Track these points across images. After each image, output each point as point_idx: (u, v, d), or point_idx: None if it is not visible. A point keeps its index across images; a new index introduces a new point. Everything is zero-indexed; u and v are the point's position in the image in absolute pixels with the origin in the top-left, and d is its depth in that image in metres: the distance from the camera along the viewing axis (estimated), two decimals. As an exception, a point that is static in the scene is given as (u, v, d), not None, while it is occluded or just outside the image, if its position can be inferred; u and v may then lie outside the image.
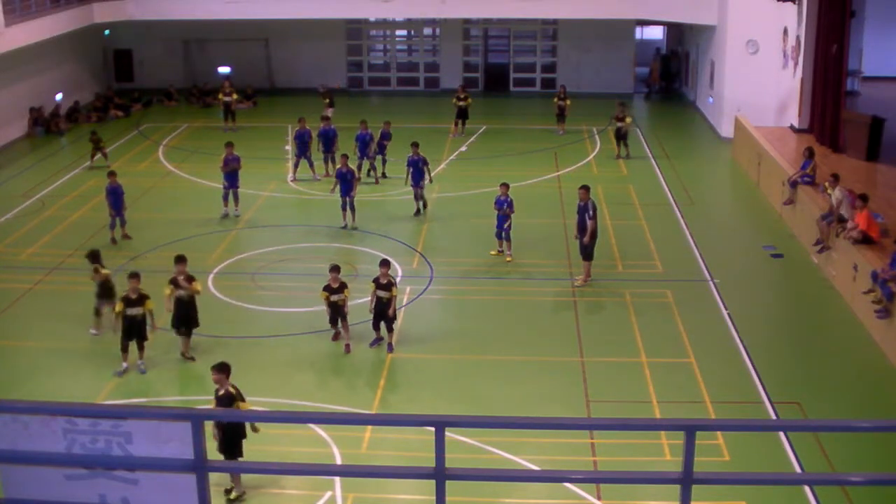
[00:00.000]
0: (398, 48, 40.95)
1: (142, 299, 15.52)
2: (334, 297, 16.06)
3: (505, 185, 20.48)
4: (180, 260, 16.31)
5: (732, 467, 12.70)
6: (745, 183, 26.14)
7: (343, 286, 16.16)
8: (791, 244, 21.18)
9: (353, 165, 25.38)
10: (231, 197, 22.81)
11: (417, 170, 22.71)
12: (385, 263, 16.38)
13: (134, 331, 15.58)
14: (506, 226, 20.20)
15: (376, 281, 16.13)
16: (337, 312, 16.29)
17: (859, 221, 17.85)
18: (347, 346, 16.35)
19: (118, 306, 15.63)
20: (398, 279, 19.43)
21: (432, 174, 23.45)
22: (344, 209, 22.21)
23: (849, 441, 13.19)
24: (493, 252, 20.56)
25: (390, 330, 16.36)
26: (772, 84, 28.34)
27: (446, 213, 23.15)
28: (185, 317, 16.14)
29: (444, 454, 4.47)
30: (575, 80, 36.08)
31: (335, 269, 16.26)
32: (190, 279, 16.19)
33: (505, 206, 20.15)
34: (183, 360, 16.17)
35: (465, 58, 38.90)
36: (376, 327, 16.38)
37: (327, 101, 31.38)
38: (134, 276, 15.74)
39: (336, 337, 16.65)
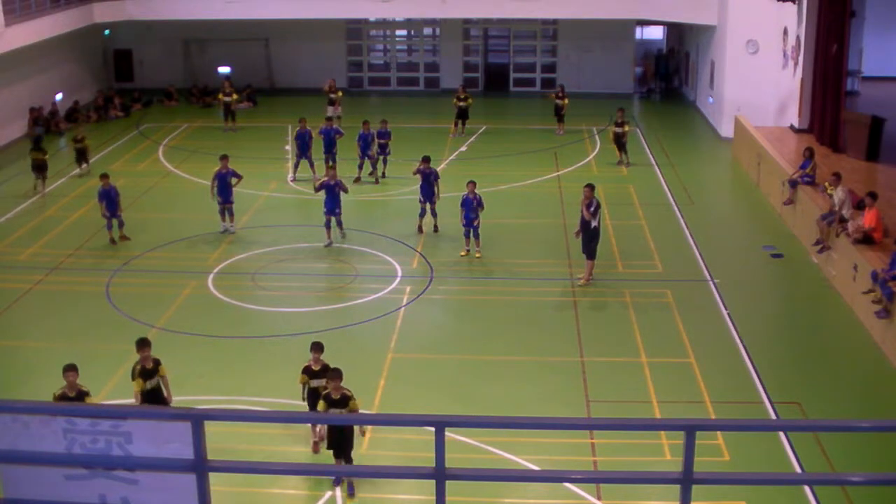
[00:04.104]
0: (398, 48, 40.97)
1: (81, 396, 12.31)
2: (315, 383, 13.13)
3: (472, 183, 20.42)
4: (144, 344, 13.17)
5: (732, 467, 12.69)
6: (745, 183, 26.14)
7: (326, 369, 13.00)
8: (791, 244, 21.18)
9: (354, 165, 25.46)
10: (226, 213, 21.97)
11: (428, 184, 21.51)
12: (336, 374, 12.37)
13: None
14: (475, 224, 20.16)
15: (327, 397, 12.36)
16: (317, 402, 12.87)
17: (868, 219, 17.83)
18: (315, 444, 13.43)
19: (56, 393, 12.38)
20: (398, 279, 19.46)
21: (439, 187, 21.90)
22: (328, 226, 20.84)
23: (849, 441, 13.18)
24: (462, 253, 20.54)
25: (349, 460, 12.54)
26: (772, 84, 28.34)
27: (446, 212, 23.09)
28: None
29: (444, 454, 4.47)
30: (575, 80, 36.10)
31: (317, 347, 13.35)
32: (157, 364, 13.19)
33: (475, 204, 20.05)
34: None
35: (465, 58, 38.92)
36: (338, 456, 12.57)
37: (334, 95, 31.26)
38: (70, 368, 12.45)
39: (317, 447, 13.41)
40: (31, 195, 24.85)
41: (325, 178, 21.01)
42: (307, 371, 13.24)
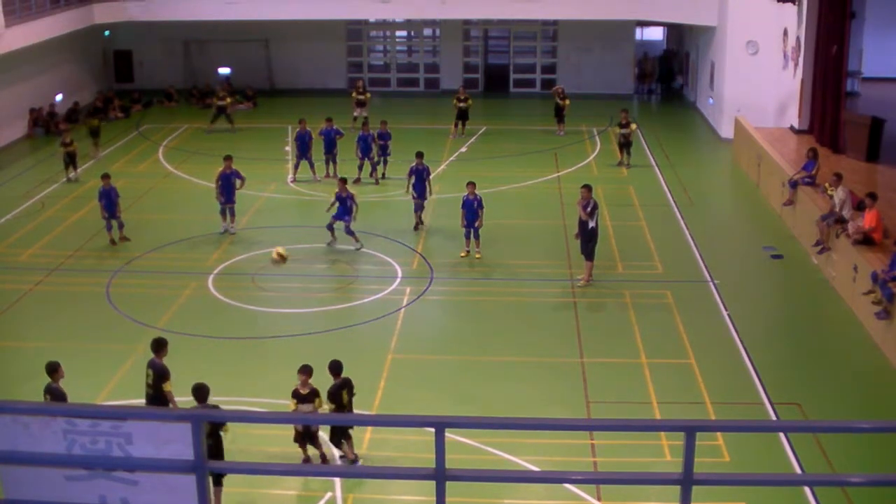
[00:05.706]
0: (398, 49, 40.97)
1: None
2: (304, 407, 12.78)
3: (472, 185, 20.44)
4: (165, 344, 13.45)
5: (732, 468, 12.69)
6: (745, 183, 26.14)
7: (314, 394, 12.80)
8: (791, 245, 21.18)
9: (354, 166, 25.46)
10: (228, 213, 21.94)
11: (421, 180, 21.89)
12: (305, 370, 12.88)
13: None
14: (476, 225, 20.17)
15: (297, 394, 12.94)
16: (305, 429, 12.95)
17: (868, 220, 17.82)
18: (307, 459, 13.08)
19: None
20: (398, 280, 19.45)
21: (432, 183, 22.35)
22: (331, 228, 20.94)
23: (849, 441, 13.18)
24: (462, 254, 20.54)
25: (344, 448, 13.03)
26: (772, 85, 28.35)
27: (446, 213, 23.09)
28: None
29: (444, 455, 4.47)
30: (575, 81, 36.08)
31: (305, 370, 12.86)
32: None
33: (475, 206, 20.06)
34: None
35: (465, 58, 38.91)
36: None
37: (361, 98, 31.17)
38: (57, 367, 12.82)
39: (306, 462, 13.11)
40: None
41: (337, 191, 21.00)
42: (295, 395, 12.88)
